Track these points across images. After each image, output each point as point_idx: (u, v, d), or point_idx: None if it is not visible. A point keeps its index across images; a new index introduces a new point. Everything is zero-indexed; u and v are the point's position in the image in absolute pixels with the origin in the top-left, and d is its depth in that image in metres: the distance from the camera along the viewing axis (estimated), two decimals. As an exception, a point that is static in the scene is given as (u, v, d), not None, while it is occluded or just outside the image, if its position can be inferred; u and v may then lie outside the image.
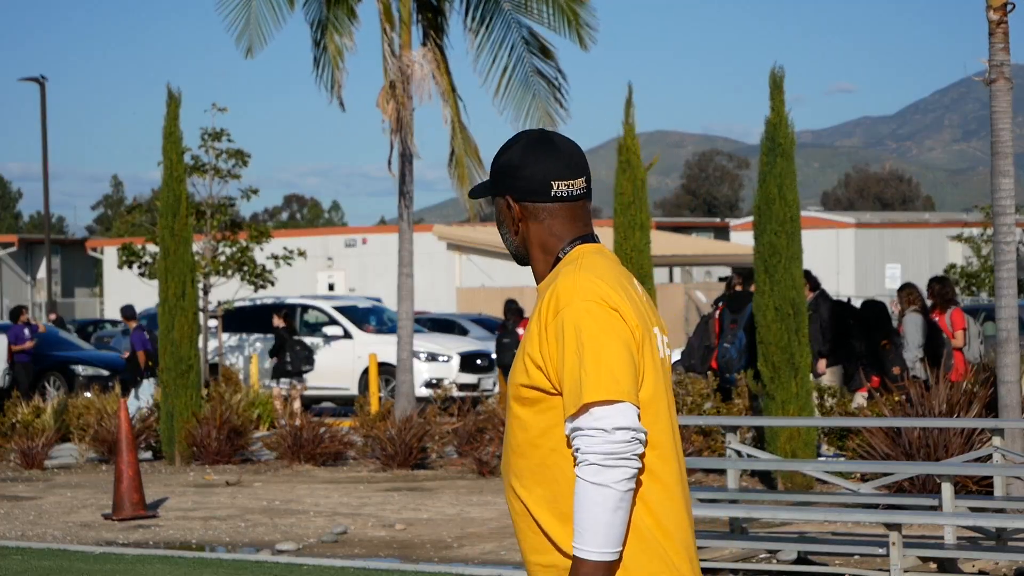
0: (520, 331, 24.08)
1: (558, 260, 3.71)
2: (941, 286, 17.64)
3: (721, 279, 44.78)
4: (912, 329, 16.91)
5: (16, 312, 27.23)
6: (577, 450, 3.49)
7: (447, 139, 21.57)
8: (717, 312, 17.89)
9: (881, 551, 9.91)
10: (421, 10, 21.16)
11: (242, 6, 21.10)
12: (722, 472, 11.67)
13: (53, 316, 43.19)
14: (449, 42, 21.41)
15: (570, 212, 3.72)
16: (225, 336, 28.01)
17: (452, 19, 21.49)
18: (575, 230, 3.72)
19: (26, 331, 26.58)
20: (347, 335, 27.84)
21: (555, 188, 3.71)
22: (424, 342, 27.18)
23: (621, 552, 3.48)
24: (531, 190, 3.72)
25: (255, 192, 26.16)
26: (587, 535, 3.46)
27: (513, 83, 21.42)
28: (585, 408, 3.48)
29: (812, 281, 17.00)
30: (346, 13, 21.00)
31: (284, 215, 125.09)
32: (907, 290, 17.47)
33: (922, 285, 18.58)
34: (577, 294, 3.58)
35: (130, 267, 26.82)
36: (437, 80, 20.84)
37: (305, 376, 25.47)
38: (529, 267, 3.79)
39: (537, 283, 3.75)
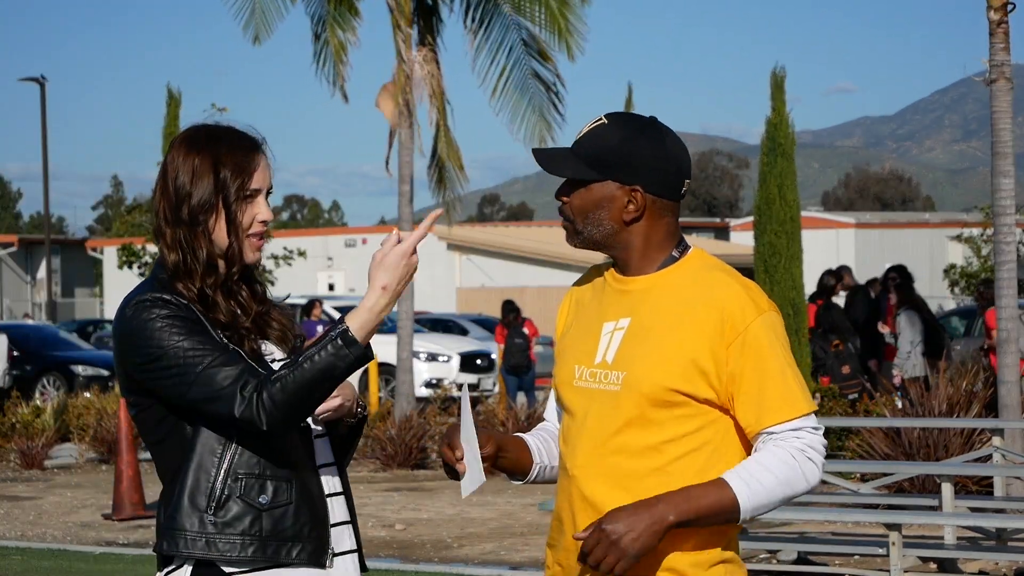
0: (525, 330, 23.98)
1: (672, 259, 3.59)
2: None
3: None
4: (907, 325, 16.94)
5: (310, 306, 25.79)
6: (801, 440, 3.47)
7: (431, 140, 21.56)
8: None
9: (881, 551, 9.90)
10: (418, 11, 21.14)
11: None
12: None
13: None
14: (443, 44, 21.41)
15: (678, 210, 3.64)
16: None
17: (448, 20, 21.47)
18: (679, 229, 3.64)
19: (319, 328, 25.21)
20: (347, 335, 27.78)
21: (684, 187, 3.64)
22: (424, 342, 27.18)
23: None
24: (668, 185, 3.59)
25: (255, 192, 26.08)
26: (757, 495, 3.45)
27: (510, 85, 21.37)
28: (804, 416, 3.49)
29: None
30: (347, 9, 21.01)
31: (284, 215, 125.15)
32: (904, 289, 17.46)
33: (921, 286, 18.60)
34: (768, 304, 3.54)
35: (130, 267, 26.81)
36: (432, 81, 20.85)
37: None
38: (576, 250, 3.68)
39: (624, 273, 3.61)
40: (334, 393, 3.57)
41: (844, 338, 17.58)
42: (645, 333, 3.53)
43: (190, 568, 3.50)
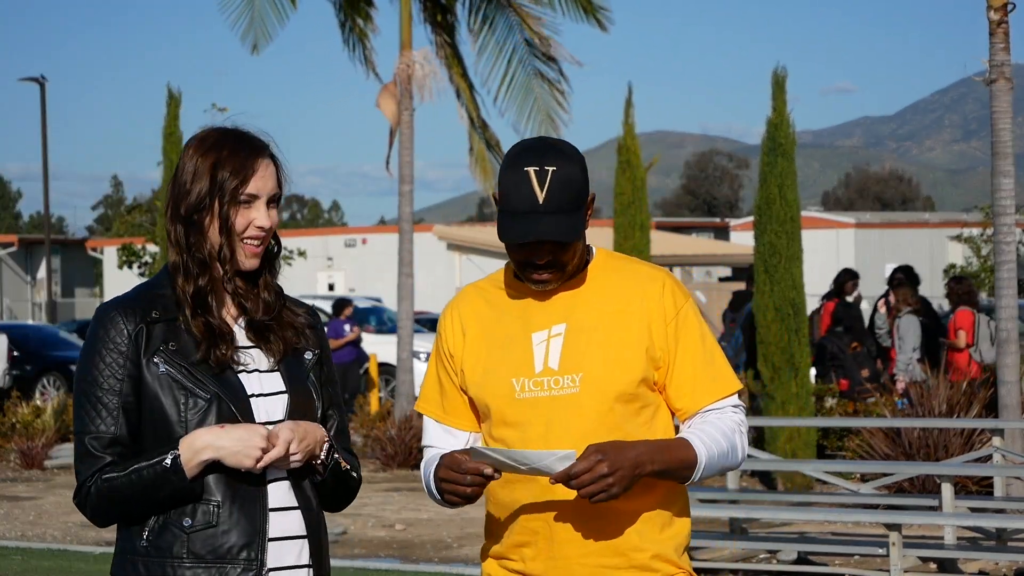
0: None
1: (586, 261, 3.64)
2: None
3: (721, 279, 44.85)
4: (908, 331, 16.81)
5: (340, 305, 25.22)
6: (738, 415, 3.64)
7: (464, 136, 21.64)
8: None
9: (881, 551, 9.90)
10: (429, 8, 21.15)
11: (244, 5, 21.08)
12: (722, 472, 11.67)
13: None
14: (461, 39, 21.45)
15: None
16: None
17: (462, 16, 21.49)
18: None
19: (346, 327, 24.71)
20: (347, 335, 27.82)
21: None
22: (424, 342, 27.18)
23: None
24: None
25: (255, 192, 26.04)
26: (712, 459, 3.56)
27: (515, 85, 21.38)
28: (736, 393, 3.64)
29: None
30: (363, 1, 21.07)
31: (284, 215, 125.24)
32: (903, 290, 17.24)
33: (922, 286, 18.45)
34: (686, 290, 3.66)
35: (130, 267, 26.81)
36: (452, 78, 20.92)
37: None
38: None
39: (556, 285, 3.62)
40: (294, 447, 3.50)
41: (861, 339, 17.45)
42: (590, 333, 3.56)
43: None
